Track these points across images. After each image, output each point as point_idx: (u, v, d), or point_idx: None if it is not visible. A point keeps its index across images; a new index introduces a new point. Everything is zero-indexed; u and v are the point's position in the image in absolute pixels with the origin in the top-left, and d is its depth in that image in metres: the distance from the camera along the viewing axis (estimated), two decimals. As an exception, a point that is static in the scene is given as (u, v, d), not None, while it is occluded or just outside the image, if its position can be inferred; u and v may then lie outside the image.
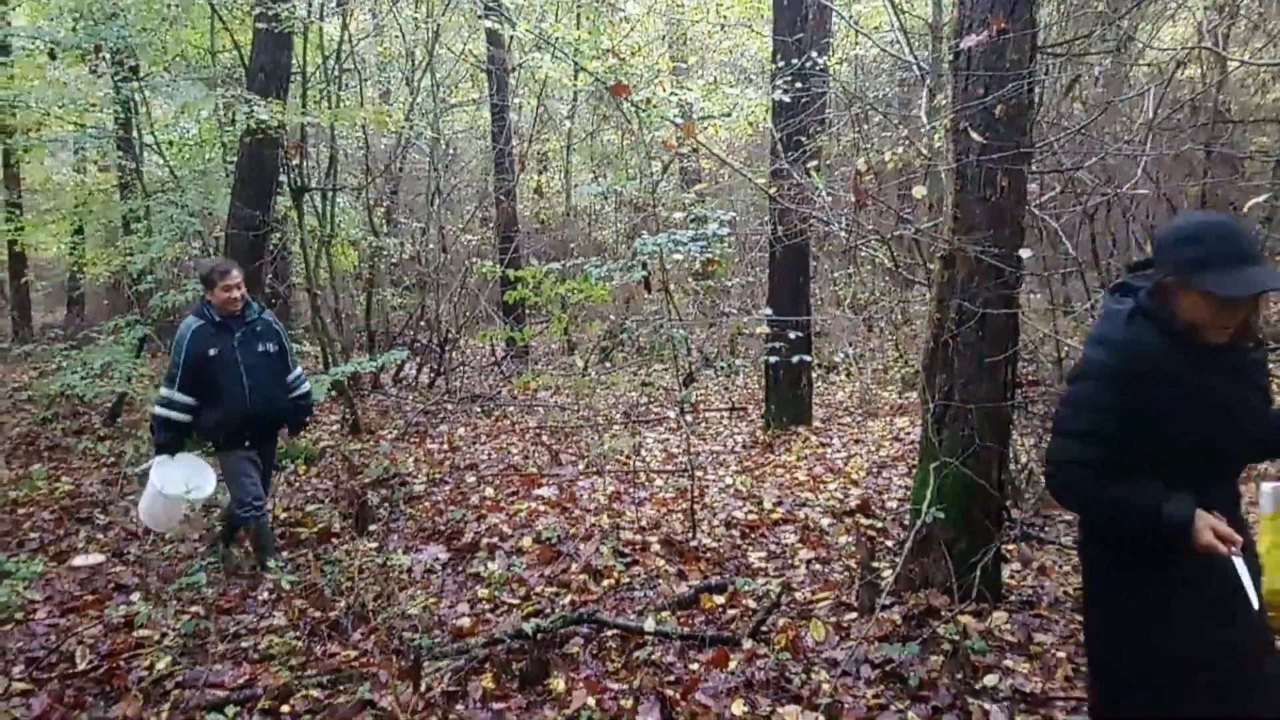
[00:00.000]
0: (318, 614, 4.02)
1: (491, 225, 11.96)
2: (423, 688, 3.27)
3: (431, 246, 10.29)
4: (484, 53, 11.63)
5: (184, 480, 4.37)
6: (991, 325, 3.70)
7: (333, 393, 8.07)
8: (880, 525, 4.89)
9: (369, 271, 9.49)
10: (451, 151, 12.61)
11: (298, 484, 6.35)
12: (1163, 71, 5.54)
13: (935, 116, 4.49)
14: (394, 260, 10.05)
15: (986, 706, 3.00)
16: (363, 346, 9.53)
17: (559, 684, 3.27)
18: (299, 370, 4.87)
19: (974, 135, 3.59)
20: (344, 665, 3.55)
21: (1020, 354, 3.98)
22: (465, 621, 3.91)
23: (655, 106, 5.59)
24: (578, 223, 12.25)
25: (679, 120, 5.74)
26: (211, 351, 4.41)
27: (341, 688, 3.33)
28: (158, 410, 4.48)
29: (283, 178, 7.98)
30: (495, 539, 4.96)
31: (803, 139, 6.47)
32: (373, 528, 5.23)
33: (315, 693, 3.31)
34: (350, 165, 10.97)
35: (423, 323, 10.14)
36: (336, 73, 9.05)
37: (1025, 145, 3.64)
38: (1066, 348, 4.91)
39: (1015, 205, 3.75)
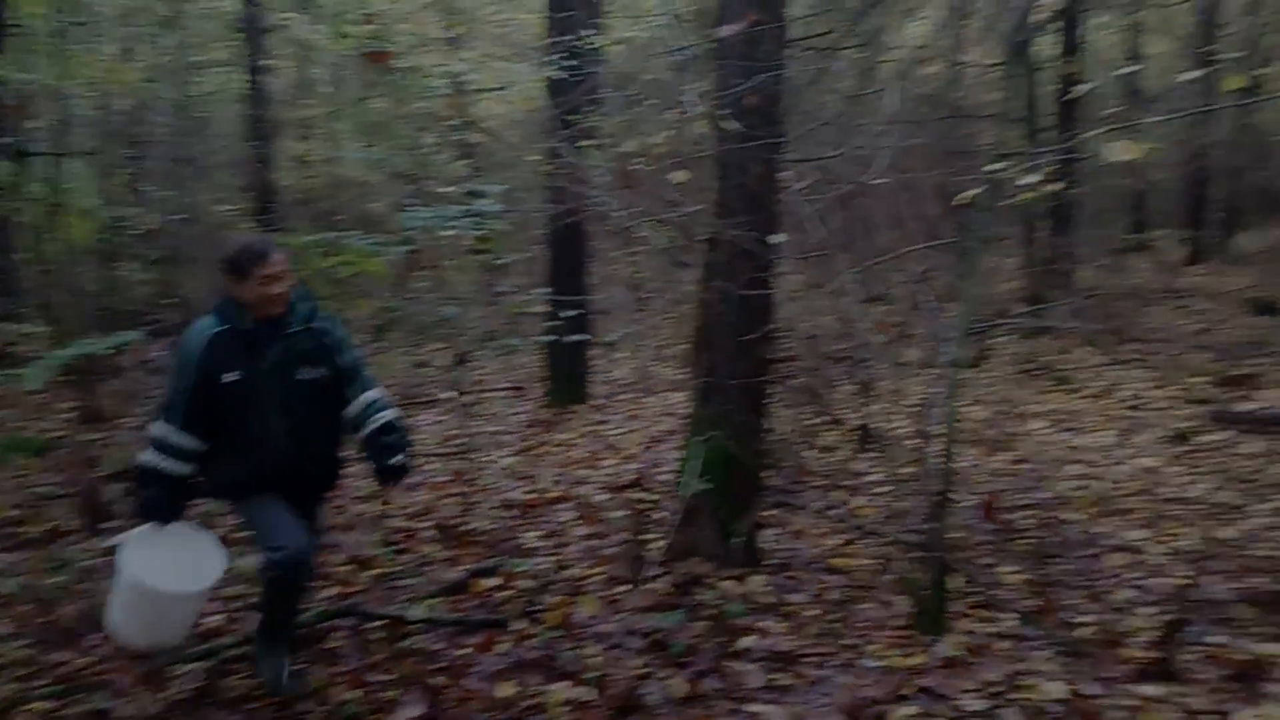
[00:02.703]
0: (46, 619, 3.65)
1: (248, 195, 11.23)
2: (167, 692, 3.04)
3: (180, 217, 9.52)
4: (238, 10, 10.87)
5: (176, 565, 2.90)
6: (749, 306, 3.89)
7: (63, 377, 7.30)
8: (654, 499, 5.03)
9: (107, 244, 8.65)
10: (202, 116, 11.70)
11: (22, 479, 5.72)
12: (905, 68, 5.98)
13: (701, 104, 4.64)
14: (138, 233, 9.20)
15: (743, 667, 3.16)
16: (99, 327, 8.67)
17: (319, 680, 3.14)
18: (373, 393, 3.14)
19: (730, 124, 3.74)
20: (77, 674, 3.24)
21: (777, 332, 4.19)
22: (217, 620, 3.67)
23: (426, 77, 5.43)
24: (345, 194, 11.73)
25: (448, 92, 5.60)
26: (232, 375, 2.92)
27: (74, 698, 3.05)
28: (144, 457, 3.00)
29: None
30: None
31: (577, 118, 6.49)
32: (110, 524, 4.80)
33: (45, 705, 3.02)
34: (88, 128, 9.93)
35: (170, 300, 9.36)
36: (65, 25, 8.14)
37: (777, 135, 3.83)
38: (819, 326, 5.24)
39: (769, 192, 3.94)
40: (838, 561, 4.07)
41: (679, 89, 5.44)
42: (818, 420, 5.59)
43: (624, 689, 3.04)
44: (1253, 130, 13.65)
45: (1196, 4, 13.13)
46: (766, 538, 4.14)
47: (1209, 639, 3.25)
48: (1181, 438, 5.88)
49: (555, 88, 6.72)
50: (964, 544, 4.10)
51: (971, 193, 3.25)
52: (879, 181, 5.47)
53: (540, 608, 3.67)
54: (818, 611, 3.57)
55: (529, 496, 5.16)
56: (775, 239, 3.88)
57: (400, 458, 3.11)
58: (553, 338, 6.54)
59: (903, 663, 3.17)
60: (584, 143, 5.62)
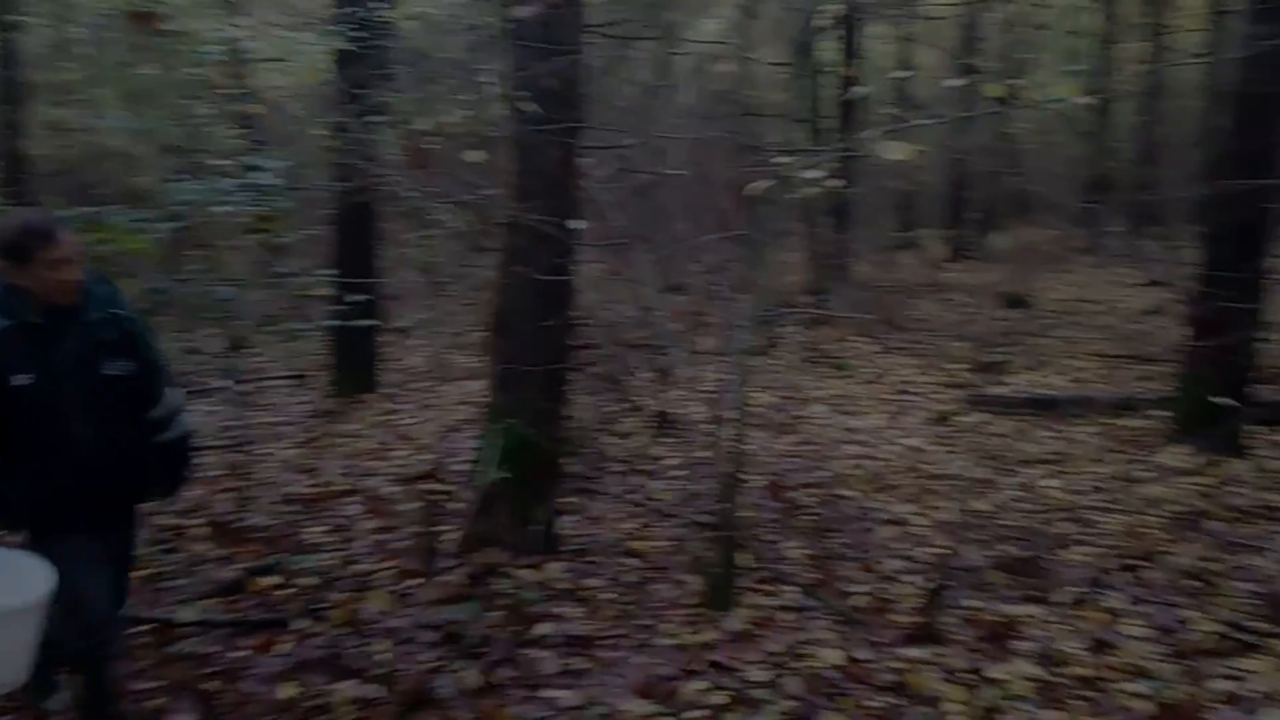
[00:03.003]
0: None
1: (-8, 165, 10.05)
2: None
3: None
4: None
5: None
6: (549, 292, 3.86)
7: None
8: (449, 489, 4.91)
9: None
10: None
11: None
12: (700, 64, 6.13)
13: (500, 84, 4.56)
14: None
15: (539, 654, 3.14)
16: None
17: (77, 690, 2.85)
18: (173, 396, 2.72)
19: (528, 106, 3.69)
20: None
21: (576, 319, 4.20)
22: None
23: (200, 43, 5.04)
24: (106, 166, 10.73)
25: (223, 59, 5.22)
26: (23, 378, 2.41)
27: None
28: None
29: None
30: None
31: (366, 93, 6.22)
32: None
33: None
34: None
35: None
36: None
37: (575, 120, 3.81)
38: (619, 314, 5.30)
39: (569, 177, 3.92)
40: (635, 545, 4.13)
41: (475, 68, 5.32)
42: (617, 406, 5.66)
43: (414, 684, 2.96)
44: (1007, 138, 15.03)
45: (960, 19, 14.30)
46: (565, 524, 4.14)
47: (966, 603, 3.55)
48: (943, 419, 6.38)
49: (343, 60, 6.41)
50: (753, 522, 4.26)
51: (759, 184, 3.37)
52: (675, 173, 5.59)
53: (325, 605, 3.50)
54: (614, 595, 3.61)
55: (312, 490, 4.91)
56: (575, 224, 3.86)
57: (188, 470, 2.81)
58: (339, 323, 6.26)
59: (694, 639, 3.26)
60: (374, 119, 5.39)
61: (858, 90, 9.00)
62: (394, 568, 3.87)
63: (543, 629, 3.31)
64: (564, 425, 4.10)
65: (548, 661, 3.11)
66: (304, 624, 3.34)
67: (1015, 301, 10.76)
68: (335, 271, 6.62)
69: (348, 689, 2.93)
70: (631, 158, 5.66)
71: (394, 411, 6.68)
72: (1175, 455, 5.27)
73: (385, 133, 5.06)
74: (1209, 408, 5.18)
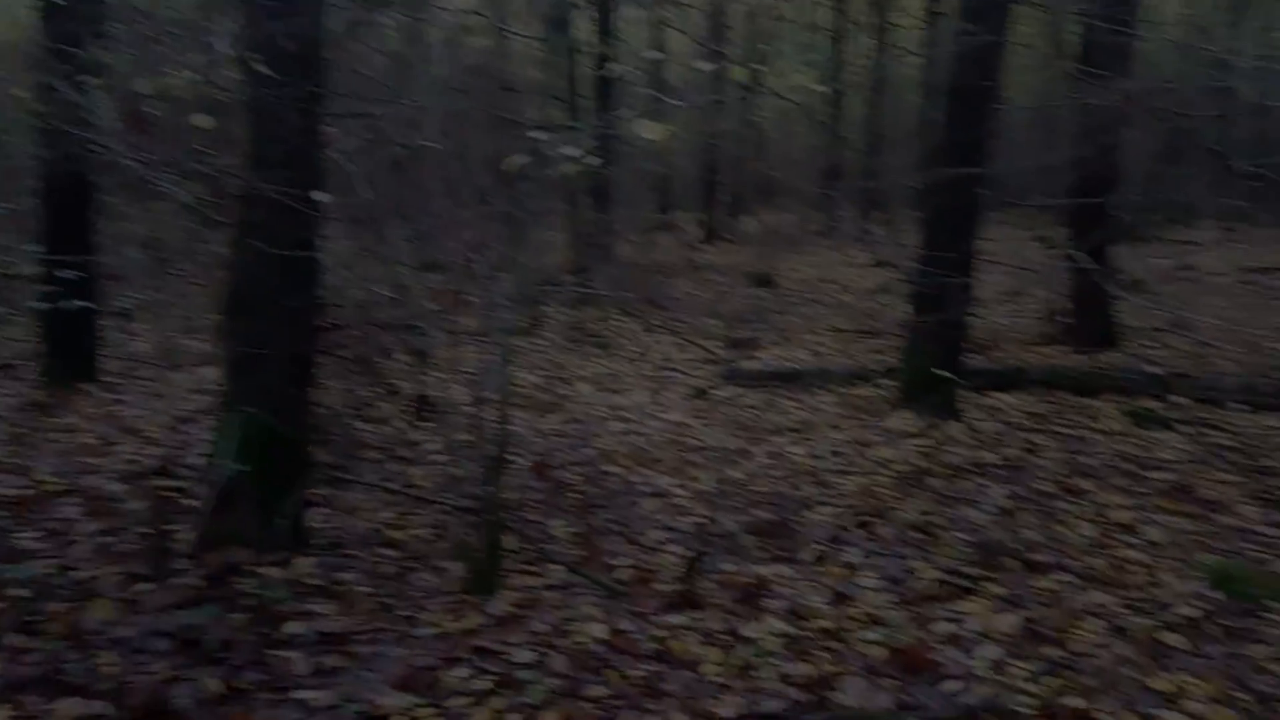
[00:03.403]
0: None
1: None
2: None
3: None
4: None
5: None
6: (291, 269, 3.61)
7: None
8: (182, 485, 4.51)
9: None
10: None
11: None
12: (453, 35, 5.96)
13: (232, 45, 4.21)
14: None
15: (288, 655, 2.95)
16: None
17: None
18: None
19: (263, 69, 3.42)
20: None
21: (324, 299, 3.96)
22: None
23: None
24: None
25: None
26: None
27: None
28: None
29: None
30: None
31: (79, 51, 5.55)
32: None
33: None
34: None
35: None
36: None
37: (316, 85, 3.58)
38: (373, 292, 5.06)
39: (311, 146, 3.68)
40: (393, 534, 3.97)
41: (204, 26, 4.87)
42: (371, 391, 5.42)
43: (147, 696, 2.69)
44: (752, 126, 15.80)
45: (707, 7, 14.83)
46: (315, 517, 3.92)
47: (723, 567, 3.69)
48: (701, 394, 6.63)
49: (49, 13, 5.69)
50: (517, 504, 4.22)
51: (516, 160, 3.31)
52: (430, 145, 5.40)
53: (40, 618, 3.11)
54: (370, 588, 3.45)
55: (22, 491, 4.35)
56: (319, 197, 3.63)
57: None
58: (49, 305, 5.58)
59: (456, 626, 3.18)
60: (86, 80, 4.82)
61: (613, 68, 9.11)
62: (120, 573, 3.50)
63: (292, 628, 3.11)
64: (310, 412, 3.86)
65: (298, 662, 2.93)
66: (15, 640, 2.95)
67: (762, 281, 11.37)
68: (44, 248, 5.90)
69: (69, 707, 2.62)
70: (383, 128, 5.42)
71: (118, 402, 6.05)
72: (901, 420, 5.75)
73: (100, 95, 4.53)
74: (929, 376, 5.69)
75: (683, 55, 15.70)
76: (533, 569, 3.65)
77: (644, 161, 13.27)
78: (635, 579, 3.64)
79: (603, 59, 9.94)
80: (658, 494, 4.61)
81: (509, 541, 3.69)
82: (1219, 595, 3.45)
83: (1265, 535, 4.06)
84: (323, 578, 3.47)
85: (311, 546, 3.71)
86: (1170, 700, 2.79)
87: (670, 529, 4.15)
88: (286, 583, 3.39)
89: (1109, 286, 7.54)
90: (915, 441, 5.38)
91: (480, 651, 3.03)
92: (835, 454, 5.22)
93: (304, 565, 3.52)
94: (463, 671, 2.91)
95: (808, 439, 5.53)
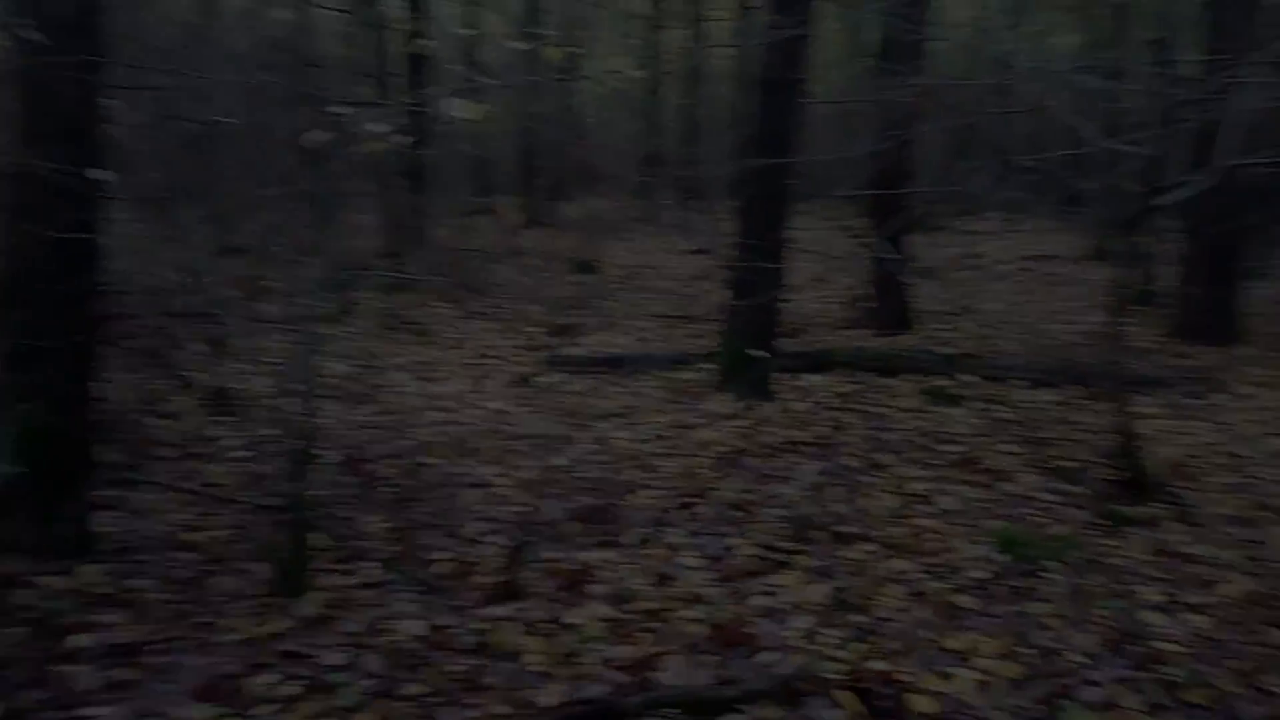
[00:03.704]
0: None
1: None
2: None
3: None
4: None
5: None
6: (70, 254, 3.30)
7: None
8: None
9: None
10: None
11: None
12: (252, 7, 5.61)
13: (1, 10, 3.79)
14: None
15: (74, 670, 2.70)
16: None
17: None
18: None
19: (35, 36, 3.10)
20: None
21: (108, 286, 3.64)
22: None
23: None
24: None
25: None
26: None
27: None
28: None
29: None
30: None
31: None
32: None
33: None
34: None
35: None
36: None
37: (95, 54, 3.28)
38: (165, 278, 4.70)
39: (90, 121, 3.37)
40: (190, 536, 3.71)
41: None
42: (163, 384, 5.05)
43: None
44: (570, 110, 15.79)
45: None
46: (102, 521, 3.60)
47: (546, 555, 3.67)
48: (524, 381, 6.56)
49: None
50: (328, 500, 4.04)
51: (318, 136, 3.15)
52: (227, 123, 5.06)
53: None
54: (166, 594, 3.21)
55: None
56: (99, 175, 3.32)
57: None
58: None
59: (261, 630, 3.01)
60: None
61: (423, 45, 8.85)
62: None
63: (78, 641, 2.85)
64: (94, 408, 3.54)
65: (86, 676, 2.69)
66: None
67: (585, 267, 11.39)
68: None
69: None
70: (174, 103, 5.04)
71: None
72: (720, 402, 5.90)
73: None
74: (745, 360, 5.87)
75: (498, 35, 15.50)
76: (345, 568, 3.50)
77: (461, 143, 13.01)
78: (455, 572, 3.55)
79: (413, 35, 9.63)
80: (478, 484, 4.52)
81: (318, 540, 3.52)
82: (1005, 558, 3.72)
83: (1044, 501, 4.42)
84: (111, 585, 3.20)
85: (98, 552, 3.42)
86: (964, 658, 2.99)
87: (492, 520, 4.08)
88: (70, 593, 3.11)
89: (904, 273, 8.02)
90: (733, 423, 5.53)
91: (288, 656, 2.88)
92: (658, 437, 5.30)
93: (90, 573, 3.24)
94: (269, 678, 2.75)
95: (631, 424, 5.58)
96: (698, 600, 3.35)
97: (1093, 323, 7.39)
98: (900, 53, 7.45)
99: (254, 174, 5.69)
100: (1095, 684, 2.83)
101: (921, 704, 2.73)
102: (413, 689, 2.75)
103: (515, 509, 4.19)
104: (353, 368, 6.44)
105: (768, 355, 5.92)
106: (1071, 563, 3.66)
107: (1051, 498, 4.44)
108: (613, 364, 6.91)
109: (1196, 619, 3.25)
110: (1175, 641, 3.08)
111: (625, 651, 2.99)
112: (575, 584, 3.45)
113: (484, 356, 7.34)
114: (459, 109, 3.17)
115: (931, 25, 8.64)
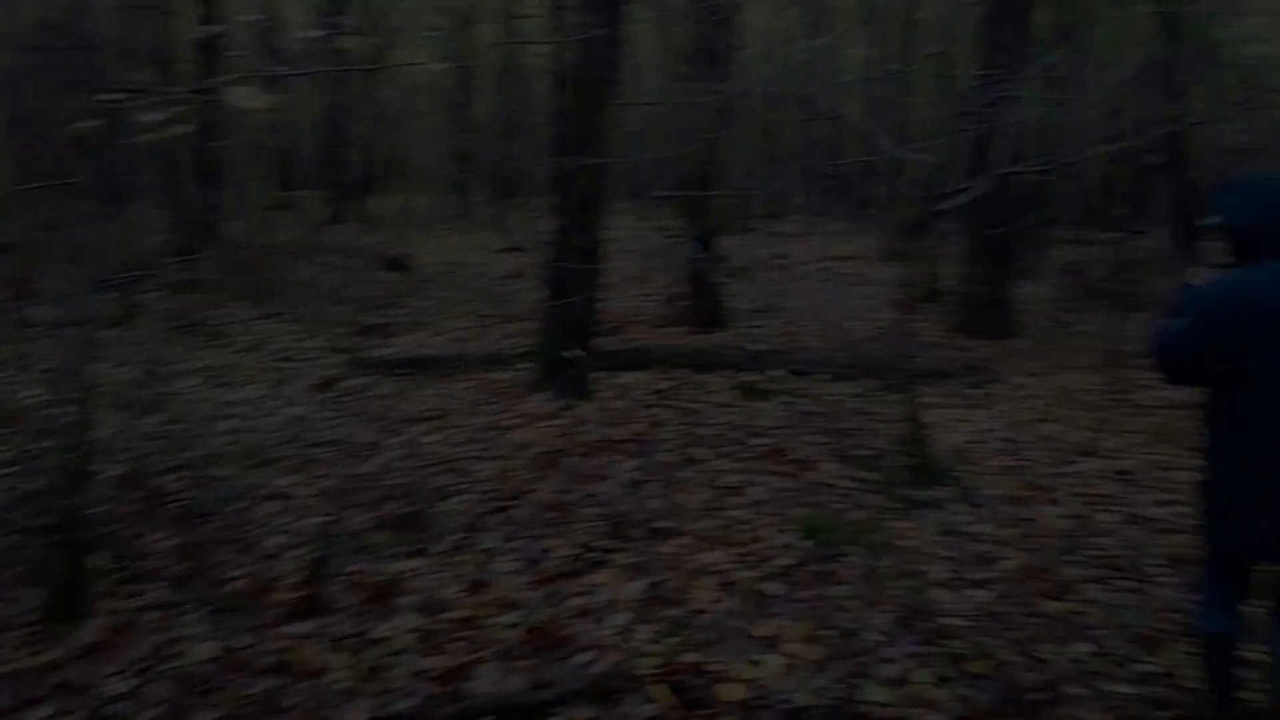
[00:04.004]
0: None
1: None
2: None
3: None
4: None
5: None
6: None
7: None
8: None
9: None
10: None
11: None
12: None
13: None
14: None
15: None
16: None
17: None
18: None
19: None
20: None
21: None
22: None
23: None
24: None
25: None
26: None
27: None
28: None
29: None
30: None
31: None
32: None
33: None
34: None
35: None
36: None
37: None
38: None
39: None
40: (-59, 565, 3.32)
41: None
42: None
43: None
44: (376, 103, 15.27)
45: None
46: None
47: (351, 568, 3.51)
48: (327, 385, 6.28)
49: None
50: (108, 518, 3.71)
51: (88, 124, 2.87)
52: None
53: None
54: None
55: None
56: None
57: None
58: None
59: (34, 661, 2.74)
60: None
61: (207, 29, 8.31)
62: None
63: None
64: None
65: None
66: None
67: (395, 265, 11.05)
68: None
69: None
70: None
71: None
72: (537, 403, 5.86)
73: None
74: (562, 359, 5.85)
75: (297, 24, 14.80)
76: (128, 590, 3.23)
77: (261, 135, 12.33)
78: (251, 590, 3.35)
79: (203, 20, 9.04)
80: (277, 496, 4.28)
81: (98, 561, 3.23)
82: (808, 544, 3.88)
83: (844, 488, 4.64)
84: None
85: None
86: (771, 644, 3.09)
87: (291, 533, 3.87)
88: None
89: (716, 273, 8.25)
90: (551, 423, 5.50)
91: (64, 688, 2.63)
92: (472, 440, 5.19)
93: None
94: (44, 711, 2.51)
95: (444, 427, 5.44)
96: (513, 605, 3.30)
97: (886, 319, 7.84)
98: (709, 59, 7.65)
99: (20, 165, 5.18)
100: (890, 661, 2.99)
101: (731, 692, 2.79)
102: (204, 715, 2.57)
103: (317, 520, 4.00)
104: (137, 374, 5.97)
105: (584, 355, 5.93)
106: (868, 546, 3.86)
107: (851, 484, 4.67)
108: (424, 365, 6.73)
109: (979, 594, 3.49)
110: (960, 616, 3.30)
111: (436, 662, 2.90)
112: (383, 596, 3.32)
113: (284, 360, 6.98)
114: (244, 98, 2.97)
115: (737, 33, 8.92)
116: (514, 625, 3.16)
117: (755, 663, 2.97)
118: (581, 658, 2.97)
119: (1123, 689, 2.88)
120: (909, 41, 13.89)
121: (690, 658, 2.98)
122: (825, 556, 3.77)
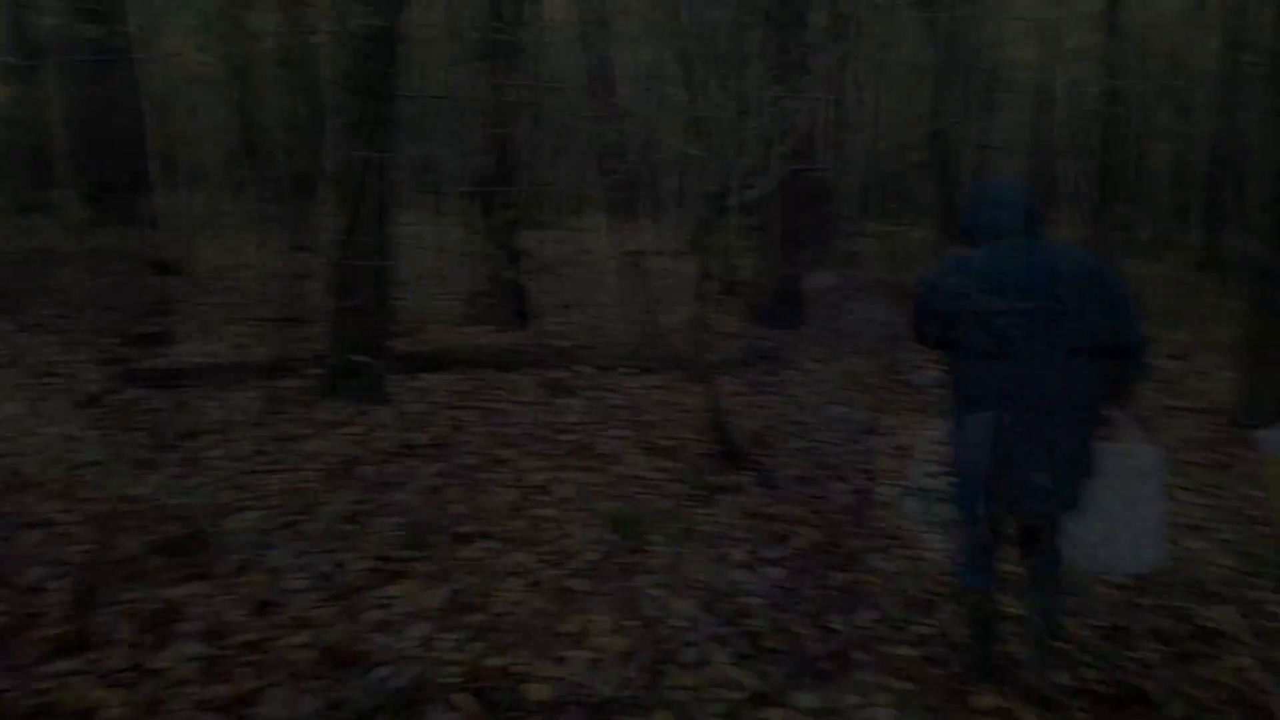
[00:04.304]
0: None
1: None
2: None
3: None
4: None
5: None
6: None
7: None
8: None
9: None
10: None
11: None
12: None
13: None
14: None
15: None
16: None
17: None
18: None
19: None
20: None
21: None
22: None
23: None
24: None
25: None
26: None
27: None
28: None
29: None
30: None
31: None
32: None
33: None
34: None
35: None
36: None
37: None
38: None
39: None
40: None
41: None
42: None
43: None
44: (137, 94, 14.11)
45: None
46: None
47: (123, 597, 3.23)
48: (94, 400, 5.76)
49: None
50: None
51: None
52: None
53: None
54: None
55: None
56: None
57: None
58: None
59: None
60: None
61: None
62: None
63: None
64: None
65: None
66: None
67: (169, 268, 10.29)
68: None
69: None
70: None
71: None
72: (330, 410, 5.60)
73: None
74: (355, 363, 5.63)
75: (45, 10, 13.46)
76: None
77: (15, 134, 11.16)
78: (10, 627, 3.02)
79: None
80: (39, 524, 3.88)
81: None
82: (614, 537, 3.92)
83: (649, 479, 4.72)
84: None
85: None
86: (577, 640, 3.09)
87: (55, 563, 3.52)
88: None
89: (519, 269, 8.20)
90: (345, 430, 5.28)
91: None
92: (259, 453, 4.90)
93: None
94: None
95: (226, 440, 5.10)
96: (305, 624, 3.13)
97: (685, 312, 8.05)
98: (501, 52, 7.58)
99: None
100: (693, 644, 3.06)
101: (538, 692, 2.77)
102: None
103: (83, 548, 3.65)
104: None
105: (375, 359, 5.73)
106: (672, 534, 3.95)
107: (656, 475, 4.77)
108: (203, 375, 6.29)
109: (774, 571, 3.64)
110: (757, 595, 3.43)
111: (221, 691, 2.71)
112: (160, 624, 3.07)
113: (44, 375, 6.35)
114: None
115: (527, 26, 8.88)
116: (306, 645, 3.01)
117: (562, 660, 2.97)
118: (380, 672, 2.86)
119: (903, 651, 3.08)
120: (705, 42, 14.25)
121: (496, 662, 2.94)
122: (631, 548, 3.82)
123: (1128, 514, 2.71)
